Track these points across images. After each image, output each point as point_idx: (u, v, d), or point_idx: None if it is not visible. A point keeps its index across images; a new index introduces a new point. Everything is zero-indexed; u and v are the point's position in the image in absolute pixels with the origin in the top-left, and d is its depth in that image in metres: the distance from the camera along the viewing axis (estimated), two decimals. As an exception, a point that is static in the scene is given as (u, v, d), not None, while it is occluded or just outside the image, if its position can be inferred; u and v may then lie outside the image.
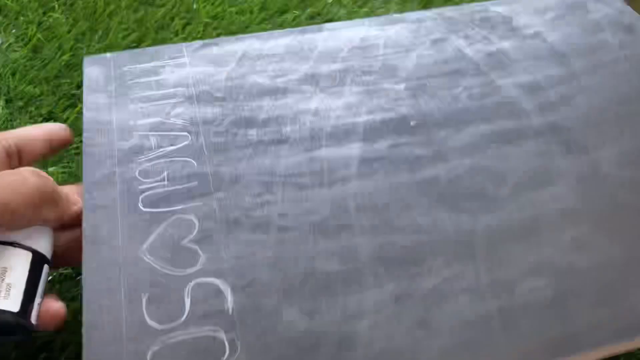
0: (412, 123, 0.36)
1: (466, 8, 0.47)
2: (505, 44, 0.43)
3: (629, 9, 0.47)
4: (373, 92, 0.38)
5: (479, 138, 0.36)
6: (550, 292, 0.28)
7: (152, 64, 0.40)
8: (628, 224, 0.31)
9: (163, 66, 0.40)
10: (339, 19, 0.57)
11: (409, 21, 0.45)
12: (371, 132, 0.36)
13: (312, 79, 0.39)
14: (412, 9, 0.57)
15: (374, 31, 0.44)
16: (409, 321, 0.27)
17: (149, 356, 0.25)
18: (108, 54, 0.41)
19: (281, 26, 0.56)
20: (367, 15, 0.57)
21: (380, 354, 0.26)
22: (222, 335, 0.26)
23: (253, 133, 0.35)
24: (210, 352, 0.25)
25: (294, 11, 0.58)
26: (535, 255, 0.30)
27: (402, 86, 0.39)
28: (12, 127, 0.44)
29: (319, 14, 0.58)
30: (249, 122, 0.36)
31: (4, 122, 0.45)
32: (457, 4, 0.52)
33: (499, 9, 0.47)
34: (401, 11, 0.57)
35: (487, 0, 0.49)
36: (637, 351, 0.33)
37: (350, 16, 0.57)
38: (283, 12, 0.58)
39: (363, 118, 0.37)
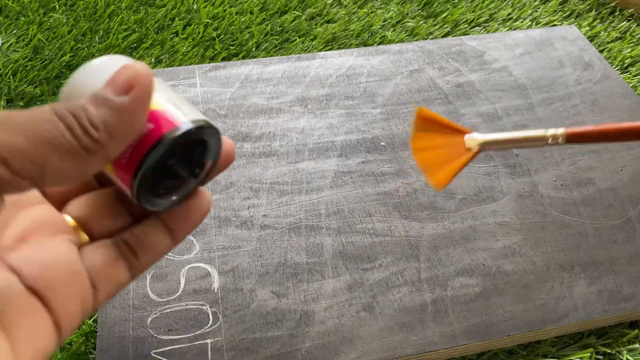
0: (382, 143, 0.43)
1: (444, 41, 0.53)
2: (474, 76, 0.49)
3: (590, 46, 0.53)
4: (352, 115, 0.45)
5: (437, 158, 0.42)
6: (478, 289, 0.34)
7: (168, 83, 0.47)
8: (551, 238, 0.37)
9: (177, 85, 0.47)
10: (338, 20, 0.58)
11: (392, 52, 0.51)
12: (347, 150, 0.42)
13: (302, 101, 0.46)
14: (412, 10, 0.59)
15: (360, 60, 0.50)
16: (357, 305, 0.33)
17: (149, 321, 0.32)
18: (131, 73, 0.48)
19: (281, 26, 0.57)
20: (367, 15, 0.59)
21: (331, 329, 0.32)
22: (207, 309, 0.33)
23: (248, 146, 0.42)
24: (197, 320, 0.32)
25: (294, 12, 0.59)
26: (469, 259, 0.36)
27: (378, 111, 0.45)
28: None
29: (319, 14, 0.59)
30: (245, 137, 0.43)
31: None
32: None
33: (474, 43, 0.53)
34: (400, 12, 0.59)
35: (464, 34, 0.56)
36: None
37: (350, 17, 0.59)
38: (283, 12, 0.59)
39: (341, 137, 0.43)
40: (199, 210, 0.24)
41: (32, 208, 0.22)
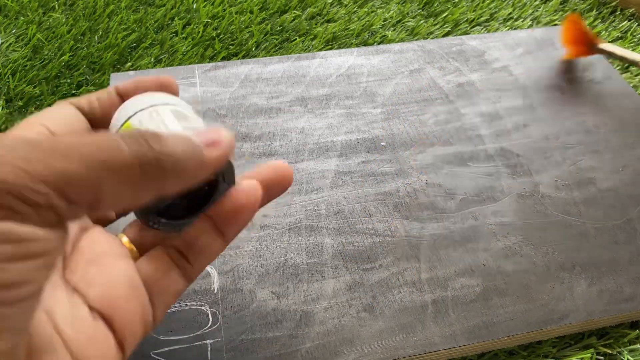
0: (382, 143, 0.43)
1: (445, 41, 0.53)
2: (475, 76, 0.49)
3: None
4: (352, 115, 0.45)
5: (438, 159, 0.42)
6: (479, 290, 0.34)
7: (168, 82, 0.47)
8: (552, 238, 0.37)
9: (177, 85, 0.47)
10: (338, 19, 0.58)
11: (393, 52, 0.51)
12: (347, 150, 0.42)
13: (302, 101, 0.46)
14: (412, 10, 0.59)
15: (360, 60, 0.50)
16: (357, 305, 0.33)
17: (148, 321, 0.32)
18: (131, 72, 0.48)
19: (281, 26, 0.57)
20: (367, 14, 0.59)
21: (331, 330, 0.32)
22: (206, 309, 0.33)
23: (247, 146, 0.42)
24: (196, 321, 0.32)
25: (294, 11, 0.59)
26: (470, 259, 0.36)
27: (378, 111, 0.45)
28: (12, 127, 0.45)
29: (319, 14, 0.59)
30: (245, 137, 0.43)
31: (3, 122, 0.46)
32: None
33: (474, 43, 0.53)
34: (400, 11, 0.59)
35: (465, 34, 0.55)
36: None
37: (350, 16, 0.58)
38: (283, 12, 0.59)
39: (341, 137, 0.43)
40: (246, 208, 0.23)
41: (91, 229, 0.23)
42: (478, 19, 0.59)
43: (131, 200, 0.18)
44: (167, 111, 0.23)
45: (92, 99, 0.24)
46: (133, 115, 0.23)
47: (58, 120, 0.22)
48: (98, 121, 0.25)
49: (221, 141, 0.20)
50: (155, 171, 0.18)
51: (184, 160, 0.18)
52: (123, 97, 0.25)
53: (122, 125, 0.23)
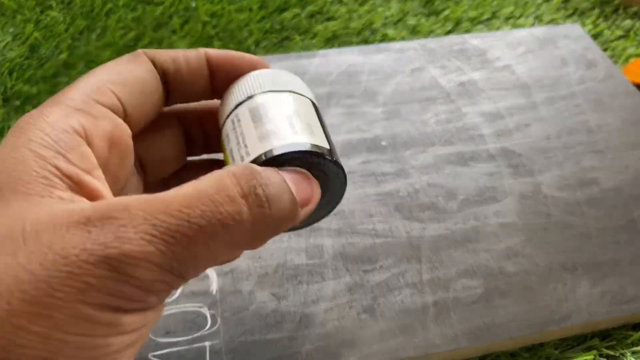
0: (383, 143, 0.42)
1: (447, 40, 0.52)
2: (476, 75, 0.49)
3: (594, 45, 0.52)
4: (353, 115, 0.45)
5: (439, 158, 0.41)
6: (480, 291, 0.34)
7: (167, 81, 0.47)
8: (554, 239, 0.37)
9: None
10: (339, 17, 0.57)
11: (393, 50, 0.51)
12: (347, 149, 0.42)
13: (302, 100, 0.46)
14: (413, 8, 0.59)
15: (361, 59, 0.50)
16: (358, 307, 0.33)
17: (147, 323, 0.32)
18: (130, 71, 0.48)
19: (281, 24, 0.56)
20: (368, 13, 0.58)
21: (332, 332, 0.32)
22: (205, 311, 0.32)
23: (247, 146, 0.42)
24: (195, 323, 0.32)
25: (294, 9, 0.58)
26: (471, 260, 0.35)
27: (379, 110, 0.45)
28: (10, 127, 0.44)
29: (319, 12, 0.58)
30: (244, 136, 0.42)
31: (0, 121, 0.45)
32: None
33: (476, 41, 0.52)
34: (401, 9, 0.59)
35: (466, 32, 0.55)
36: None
37: (350, 14, 0.58)
38: (283, 10, 0.58)
39: (342, 137, 0.43)
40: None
41: None
42: (480, 17, 0.58)
43: (231, 259, 0.18)
44: (247, 113, 0.20)
45: (179, 59, 0.21)
46: (227, 118, 0.21)
47: (131, 88, 0.19)
48: (177, 85, 0.21)
49: (313, 198, 0.19)
50: (263, 235, 0.17)
51: (286, 221, 0.18)
52: (212, 66, 0.22)
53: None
